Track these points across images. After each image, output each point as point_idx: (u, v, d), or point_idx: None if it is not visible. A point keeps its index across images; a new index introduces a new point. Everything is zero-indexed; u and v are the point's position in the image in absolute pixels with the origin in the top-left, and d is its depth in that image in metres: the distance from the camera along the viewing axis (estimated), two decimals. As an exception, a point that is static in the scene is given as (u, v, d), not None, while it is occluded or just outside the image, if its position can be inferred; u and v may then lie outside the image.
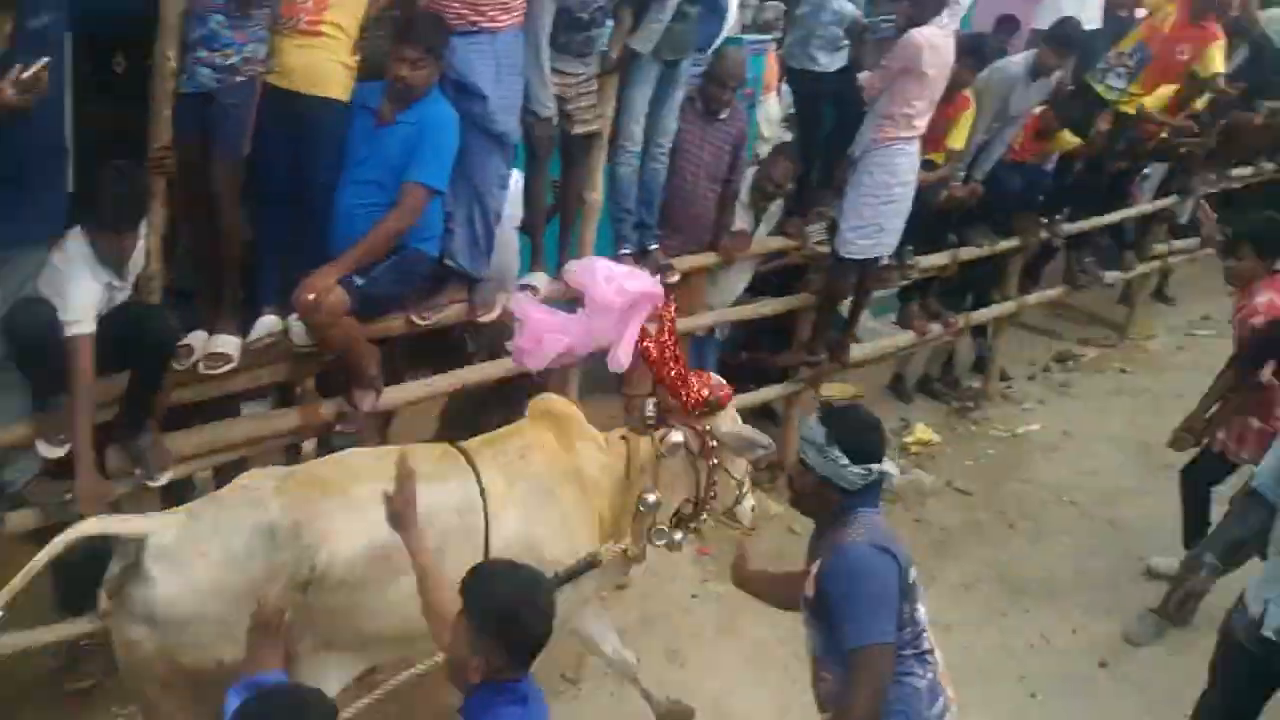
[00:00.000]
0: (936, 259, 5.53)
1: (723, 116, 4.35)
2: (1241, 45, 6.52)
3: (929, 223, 5.31)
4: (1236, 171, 7.32)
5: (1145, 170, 6.88)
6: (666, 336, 2.94)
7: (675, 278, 4.11)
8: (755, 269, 4.95)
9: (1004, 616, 4.46)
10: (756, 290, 5.10)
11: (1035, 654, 4.26)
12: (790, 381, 5.16)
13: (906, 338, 5.71)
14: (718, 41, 4.46)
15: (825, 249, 4.84)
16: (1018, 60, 5.24)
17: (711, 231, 4.53)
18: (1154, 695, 3.96)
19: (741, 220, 4.67)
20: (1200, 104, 6.10)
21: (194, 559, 2.51)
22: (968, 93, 4.97)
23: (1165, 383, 6.69)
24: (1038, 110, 5.46)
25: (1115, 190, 6.56)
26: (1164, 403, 6.37)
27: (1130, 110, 5.78)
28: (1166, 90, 5.84)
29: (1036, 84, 5.20)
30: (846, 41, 4.62)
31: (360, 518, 2.56)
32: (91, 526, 2.55)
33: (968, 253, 5.68)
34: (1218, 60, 5.68)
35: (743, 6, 5.48)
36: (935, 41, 4.35)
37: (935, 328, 5.74)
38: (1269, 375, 4.16)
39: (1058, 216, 6.10)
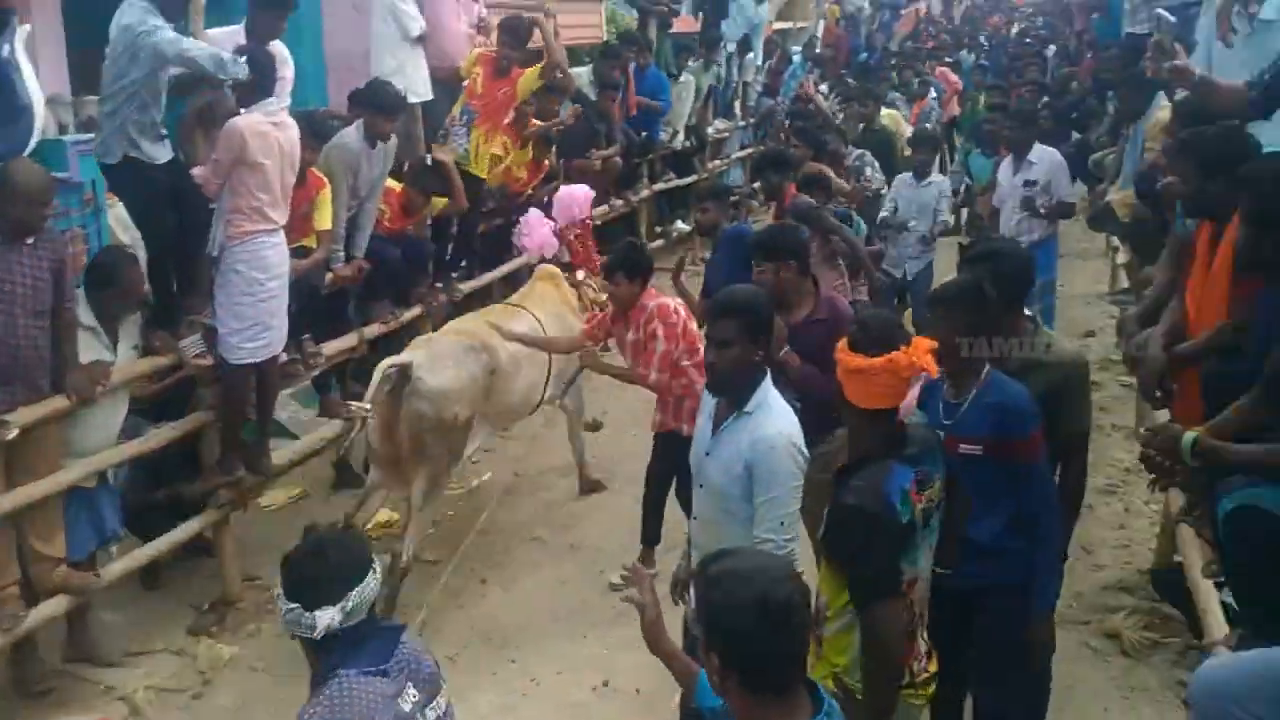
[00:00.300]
0: (343, 342, 5.39)
1: (30, 241, 3.70)
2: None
3: (325, 307, 5.13)
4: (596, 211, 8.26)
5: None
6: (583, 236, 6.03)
7: (12, 434, 3.44)
8: (133, 395, 4.37)
9: (495, 675, 4.42)
10: (157, 415, 4.56)
11: (528, 700, 4.26)
12: (214, 509, 4.66)
13: (337, 427, 5.50)
14: (30, 146, 3.86)
15: (208, 360, 4.44)
16: (350, 132, 5.27)
17: (52, 371, 3.84)
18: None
19: (92, 347, 4.05)
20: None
21: (442, 366, 4.78)
22: (317, 172, 4.91)
23: (589, 405, 7.24)
24: (398, 188, 5.61)
25: (498, 243, 6.98)
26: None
27: (479, 173, 6.22)
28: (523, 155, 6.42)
29: (377, 150, 5.29)
30: (166, 132, 4.27)
31: (506, 341, 5.00)
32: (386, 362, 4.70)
33: (373, 330, 5.63)
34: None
35: (52, 104, 4.82)
36: (260, 129, 4.19)
37: (364, 408, 5.60)
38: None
39: (453, 276, 6.30)
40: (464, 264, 6.54)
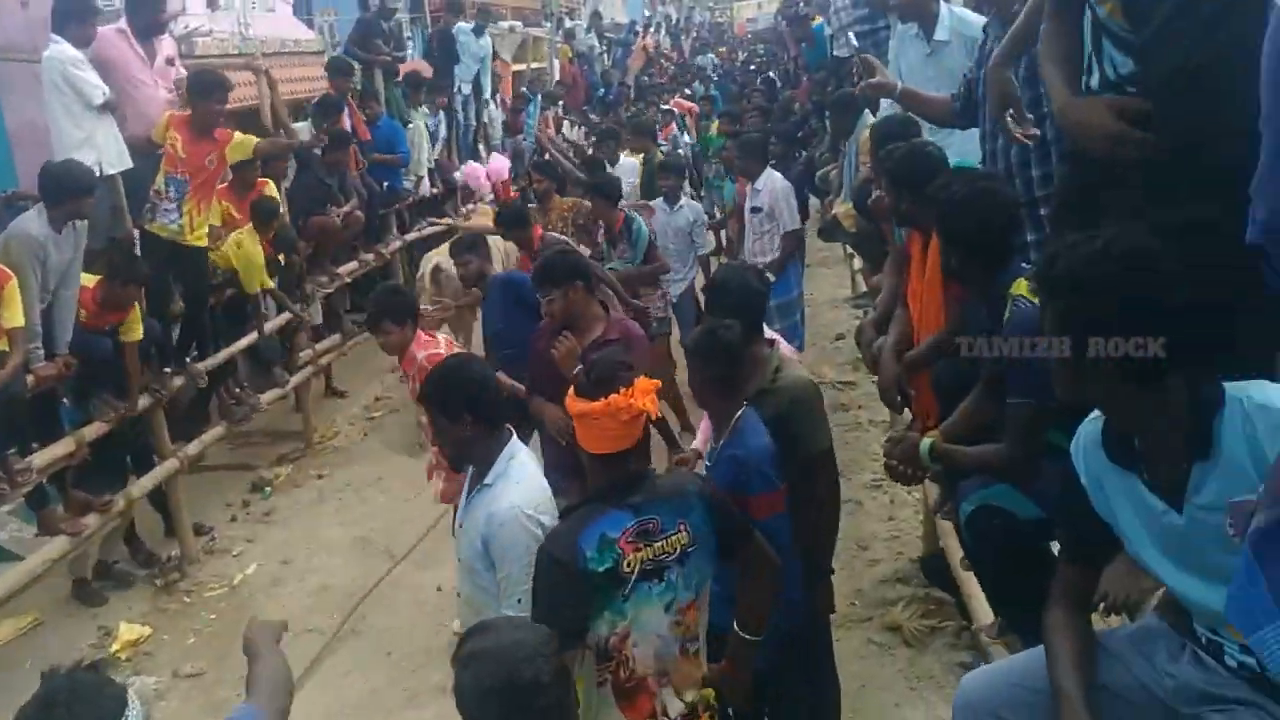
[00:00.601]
0: (57, 449, 4.81)
1: None
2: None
3: (31, 413, 4.54)
4: (345, 269, 7.89)
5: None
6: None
7: None
8: None
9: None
10: None
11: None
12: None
13: (64, 544, 4.88)
14: None
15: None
16: (31, 216, 4.73)
17: None
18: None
19: None
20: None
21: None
22: (3, 266, 4.36)
23: (361, 474, 6.90)
24: (92, 282, 5.08)
25: (237, 316, 6.52)
26: (366, 492, 6.62)
27: (199, 242, 5.81)
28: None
29: (65, 234, 4.77)
30: None
31: None
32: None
33: (94, 430, 5.05)
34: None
35: None
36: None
37: (91, 520, 5.00)
38: None
39: (187, 360, 5.82)
40: (195, 345, 6.00)
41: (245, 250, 6.27)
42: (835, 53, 8.45)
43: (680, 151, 10.47)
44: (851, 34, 7.07)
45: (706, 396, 2.85)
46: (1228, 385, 1.61)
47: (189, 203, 5.72)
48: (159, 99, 6.00)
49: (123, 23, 5.93)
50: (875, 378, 5.91)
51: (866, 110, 5.59)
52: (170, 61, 6.28)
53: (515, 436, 2.77)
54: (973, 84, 3.50)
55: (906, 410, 3.81)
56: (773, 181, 6.73)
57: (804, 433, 3.06)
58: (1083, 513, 1.77)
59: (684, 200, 7.46)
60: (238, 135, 6.06)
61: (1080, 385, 1.63)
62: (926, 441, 2.70)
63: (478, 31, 12.14)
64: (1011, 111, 2.81)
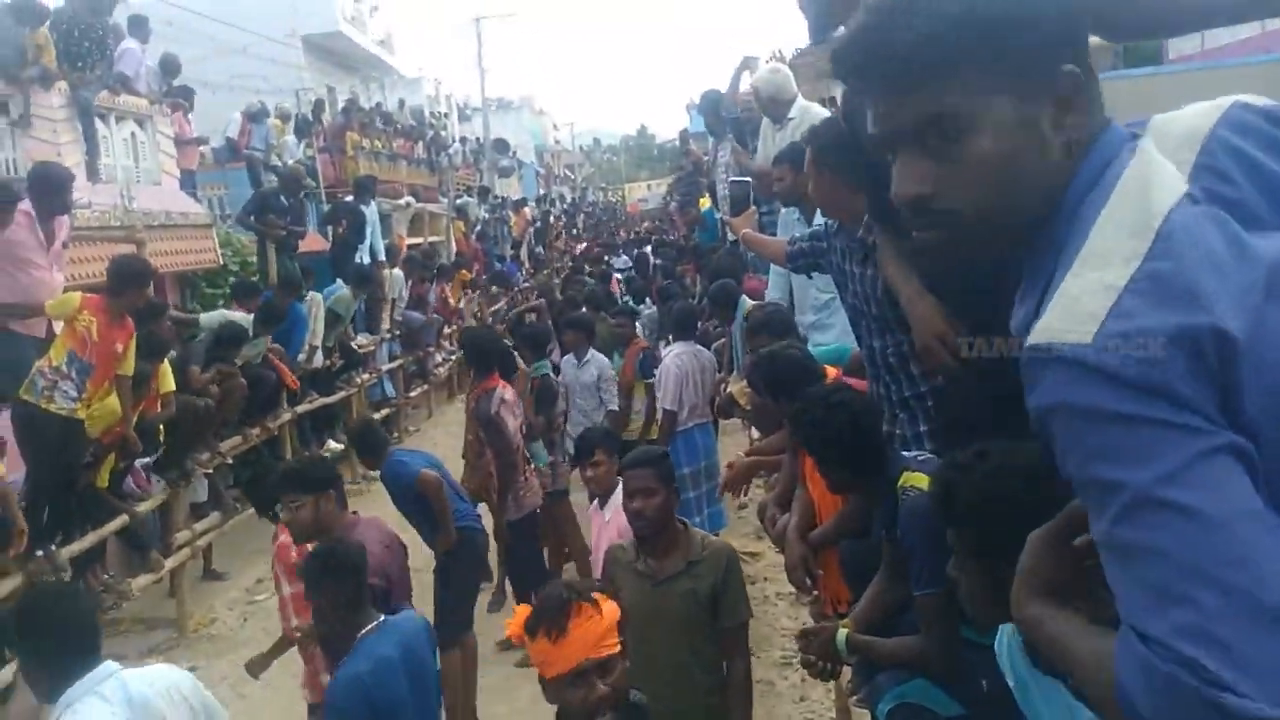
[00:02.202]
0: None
1: None
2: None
3: None
4: (227, 444, 7.58)
5: (145, 460, 6.68)
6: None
7: None
8: None
9: None
10: None
11: None
12: None
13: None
14: None
15: None
16: None
17: None
18: None
19: None
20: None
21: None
22: None
23: (239, 665, 6.40)
24: None
25: (93, 500, 6.14)
26: (244, 687, 6.11)
27: (92, 430, 5.61)
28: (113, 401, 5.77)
29: None
30: None
31: None
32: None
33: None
34: (130, 358, 5.84)
35: None
36: None
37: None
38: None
39: (51, 548, 5.41)
40: (59, 530, 5.60)
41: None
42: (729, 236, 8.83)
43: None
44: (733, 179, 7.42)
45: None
46: None
47: (90, 386, 5.51)
48: (51, 283, 5.85)
49: (27, 203, 5.82)
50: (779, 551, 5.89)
51: (744, 297, 5.89)
52: (65, 245, 6.18)
53: None
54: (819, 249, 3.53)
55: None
56: (667, 357, 6.89)
57: (728, 604, 3.18)
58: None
59: (591, 354, 7.41)
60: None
61: (994, 607, 1.59)
62: (841, 634, 2.66)
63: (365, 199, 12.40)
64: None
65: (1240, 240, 1.01)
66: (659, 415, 6.83)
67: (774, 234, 5.88)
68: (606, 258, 17.19)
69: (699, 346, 7.10)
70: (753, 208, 4.56)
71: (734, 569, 3.42)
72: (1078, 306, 0.99)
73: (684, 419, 6.73)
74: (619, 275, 14.03)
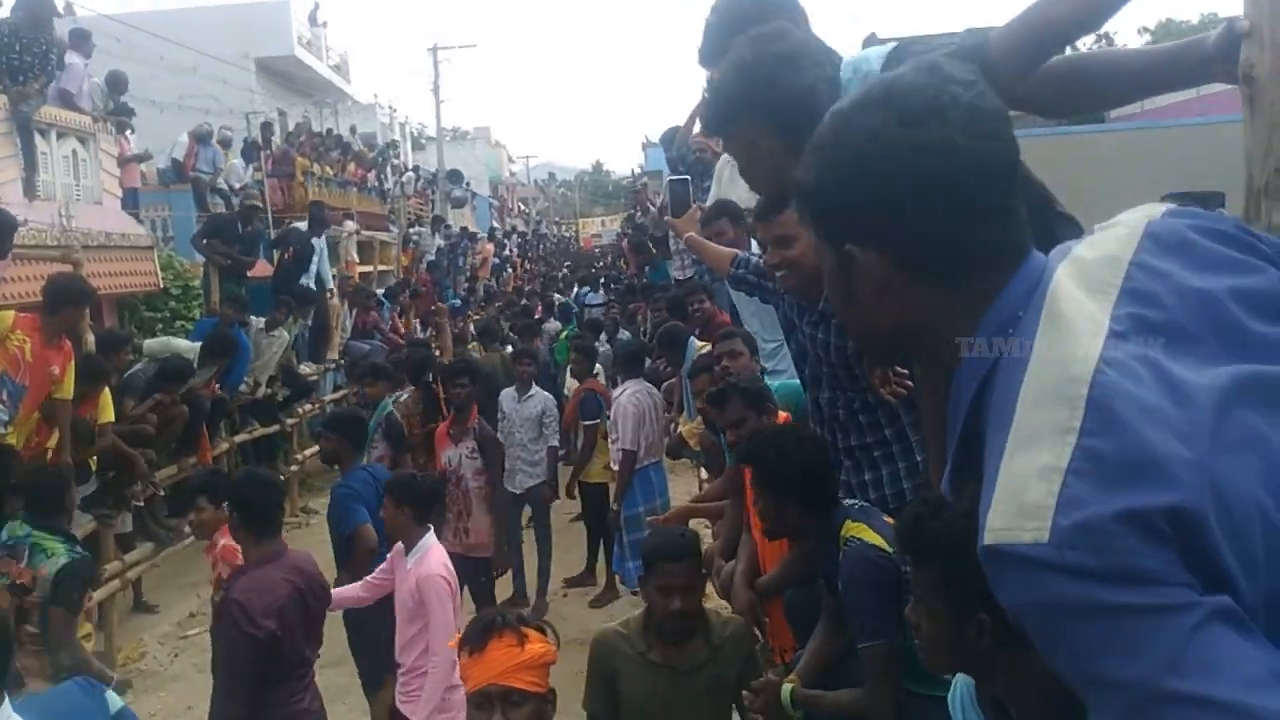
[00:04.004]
0: None
1: None
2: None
3: None
4: (162, 474, 7.35)
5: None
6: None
7: None
8: None
9: None
10: None
11: None
12: None
13: None
14: None
15: None
16: None
17: None
18: None
19: None
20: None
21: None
22: None
23: (169, 702, 6.21)
24: None
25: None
26: (169, 725, 5.93)
27: (13, 442, 5.30)
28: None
29: None
30: None
31: None
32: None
33: None
34: (69, 382, 5.66)
35: None
36: None
37: None
38: None
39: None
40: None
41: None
42: (674, 274, 8.84)
43: (539, 342, 10.54)
44: (688, 258, 7.42)
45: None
46: None
47: (22, 410, 5.33)
48: None
49: None
50: (726, 603, 5.86)
51: (693, 339, 5.90)
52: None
53: None
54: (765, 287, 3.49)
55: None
56: (622, 395, 6.80)
57: None
58: None
59: (534, 389, 7.37)
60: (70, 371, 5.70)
61: (956, 652, 1.59)
62: (787, 688, 2.64)
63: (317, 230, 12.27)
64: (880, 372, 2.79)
65: (1173, 384, 0.97)
66: (612, 456, 6.77)
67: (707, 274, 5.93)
68: (561, 291, 17.20)
69: (649, 384, 7.08)
70: (694, 205, 4.46)
71: (754, 650, 3.16)
72: (1024, 499, 0.96)
73: (640, 458, 6.69)
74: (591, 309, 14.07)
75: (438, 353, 10.17)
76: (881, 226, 1.12)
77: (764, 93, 1.89)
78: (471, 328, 12.34)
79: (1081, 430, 0.95)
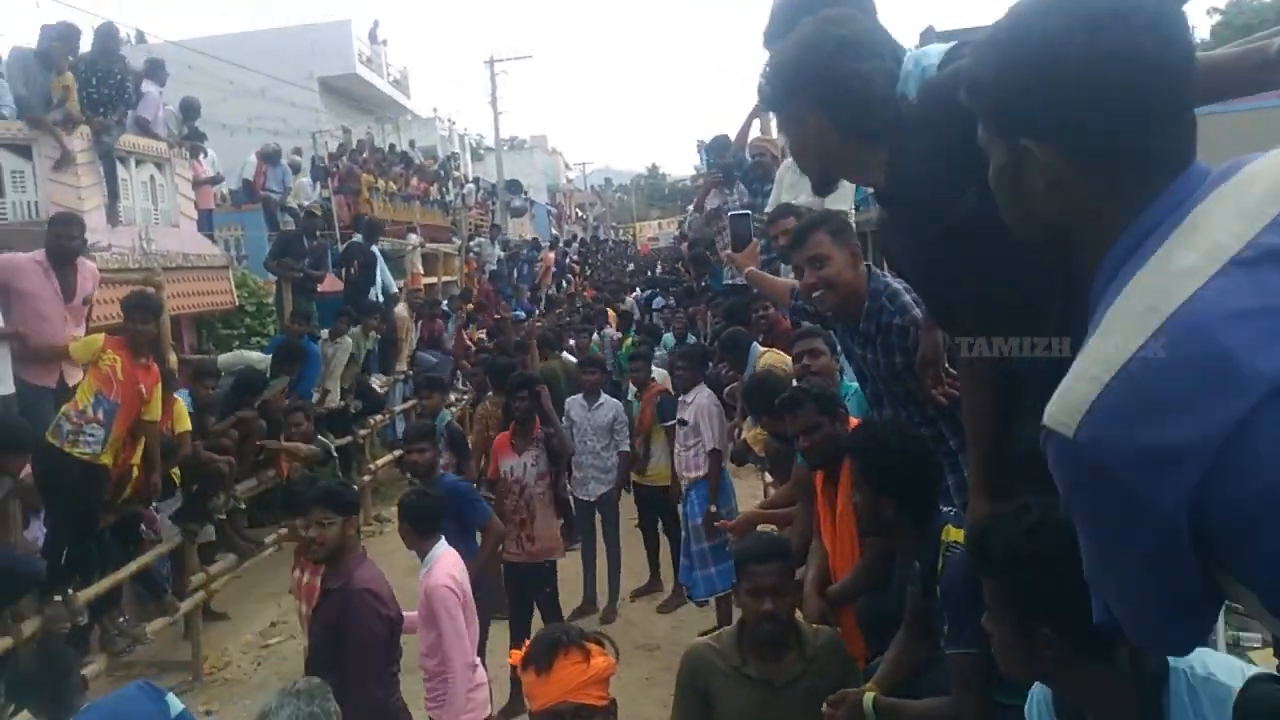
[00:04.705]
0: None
1: None
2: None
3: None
4: (242, 487, 7.57)
5: (158, 508, 6.70)
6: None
7: None
8: None
9: None
10: None
11: None
12: None
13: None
14: None
15: None
16: None
17: None
18: None
19: None
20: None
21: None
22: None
23: (254, 711, 6.36)
24: None
25: (126, 538, 6.17)
26: (254, 732, 6.10)
27: (106, 462, 5.55)
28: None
29: None
30: None
31: None
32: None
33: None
34: (156, 402, 5.89)
35: None
36: None
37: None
38: None
39: (69, 592, 5.42)
40: (76, 574, 5.60)
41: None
42: (729, 280, 8.79)
43: (601, 354, 10.61)
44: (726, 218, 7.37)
45: None
46: (1171, 658, 1.60)
47: (115, 428, 5.53)
48: (63, 335, 5.89)
49: (41, 253, 5.87)
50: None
51: (755, 344, 5.89)
52: (86, 301, 6.21)
53: None
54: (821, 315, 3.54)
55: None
56: (701, 396, 6.67)
57: None
58: None
59: (604, 397, 7.39)
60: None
61: (1026, 661, 1.61)
62: (868, 698, 2.62)
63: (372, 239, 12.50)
64: (933, 371, 2.83)
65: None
66: (685, 460, 6.68)
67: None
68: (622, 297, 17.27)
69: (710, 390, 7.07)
70: (755, 241, 4.50)
71: (851, 661, 3.07)
72: (1071, 395, 1.08)
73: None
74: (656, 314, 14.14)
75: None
76: (1062, 122, 1.15)
77: (820, 73, 1.92)
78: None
79: (1138, 350, 1.03)
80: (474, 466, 7.02)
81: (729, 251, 4.41)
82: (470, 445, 7.32)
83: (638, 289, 18.75)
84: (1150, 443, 1.00)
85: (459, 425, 6.81)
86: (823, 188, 2.38)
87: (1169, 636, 1.18)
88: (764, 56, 2.29)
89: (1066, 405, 1.07)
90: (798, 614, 3.26)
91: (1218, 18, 26.99)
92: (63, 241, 5.89)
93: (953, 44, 2.07)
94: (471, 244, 19.52)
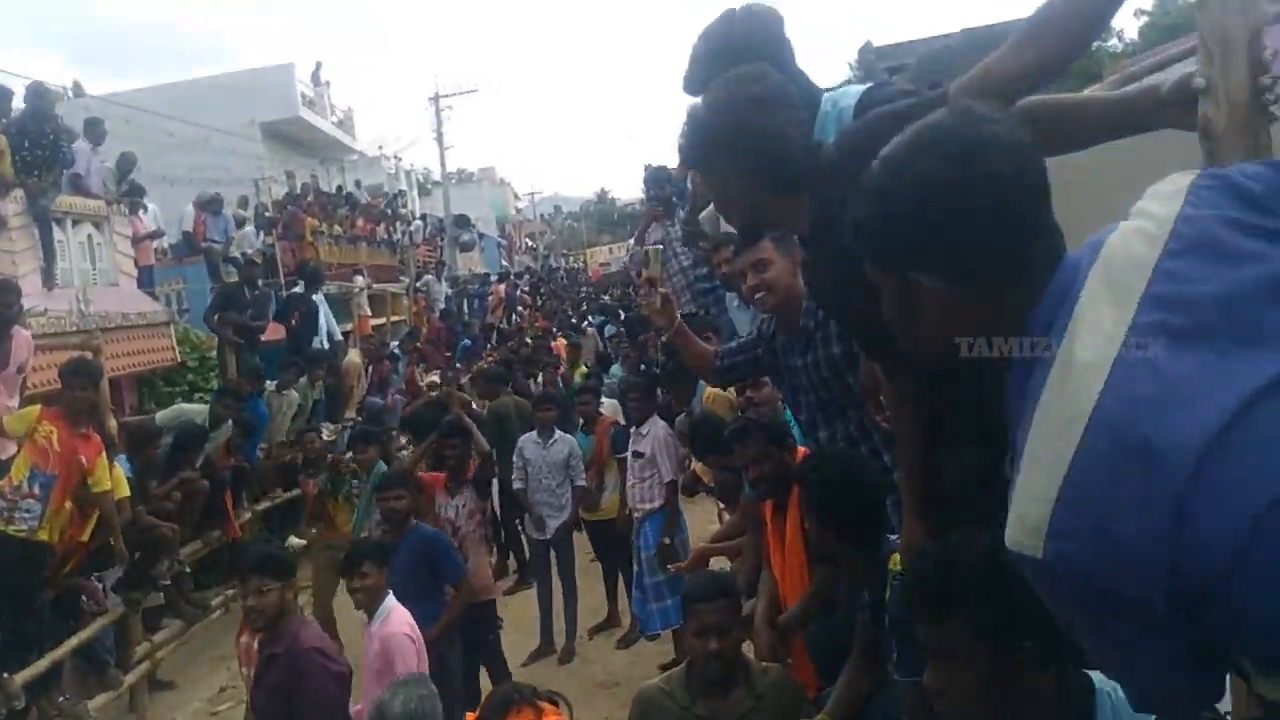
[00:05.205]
0: None
1: None
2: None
3: None
4: (187, 550, 7.42)
5: (100, 577, 6.56)
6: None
7: None
8: None
9: None
10: None
11: None
12: None
13: None
14: None
15: None
16: None
17: None
18: None
19: None
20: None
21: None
22: None
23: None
24: None
25: (66, 612, 6.01)
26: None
27: (45, 537, 5.43)
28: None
29: None
30: None
31: None
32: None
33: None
34: (103, 471, 5.74)
35: None
36: None
37: None
38: None
39: (4, 676, 5.25)
40: (13, 654, 5.42)
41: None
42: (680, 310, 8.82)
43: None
44: (689, 293, 7.41)
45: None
46: (1093, 675, 1.62)
47: (53, 501, 5.41)
48: (2, 407, 5.74)
49: None
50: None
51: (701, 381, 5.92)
52: (21, 370, 6.06)
53: None
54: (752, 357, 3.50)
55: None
56: (657, 428, 6.64)
57: None
58: None
59: (557, 433, 7.32)
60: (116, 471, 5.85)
61: (991, 700, 1.58)
62: None
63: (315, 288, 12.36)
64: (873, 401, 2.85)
65: (1185, 387, 1.06)
66: (638, 492, 6.62)
67: (728, 312, 5.94)
68: (575, 324, 17.29)
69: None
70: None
71: (801, 696, 3.07)
72: (1028, 518, 1.14)
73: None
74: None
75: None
76: (945, 250, 1.25)
77: (736, 134, 1.97)
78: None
79: (1070, 468, 1.09)
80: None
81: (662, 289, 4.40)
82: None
83: (589, 317, 18.79)
84: (1112, 546, 1.06)
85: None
86: (748, 238, 2.40)
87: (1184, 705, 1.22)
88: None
89: (1027, 529, 1.14)
90: (748, 649, 3.28)
91: (1145, 19, 27.58)
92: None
93: (868, 85, 2.15)
94: (418, 283, 19.43)
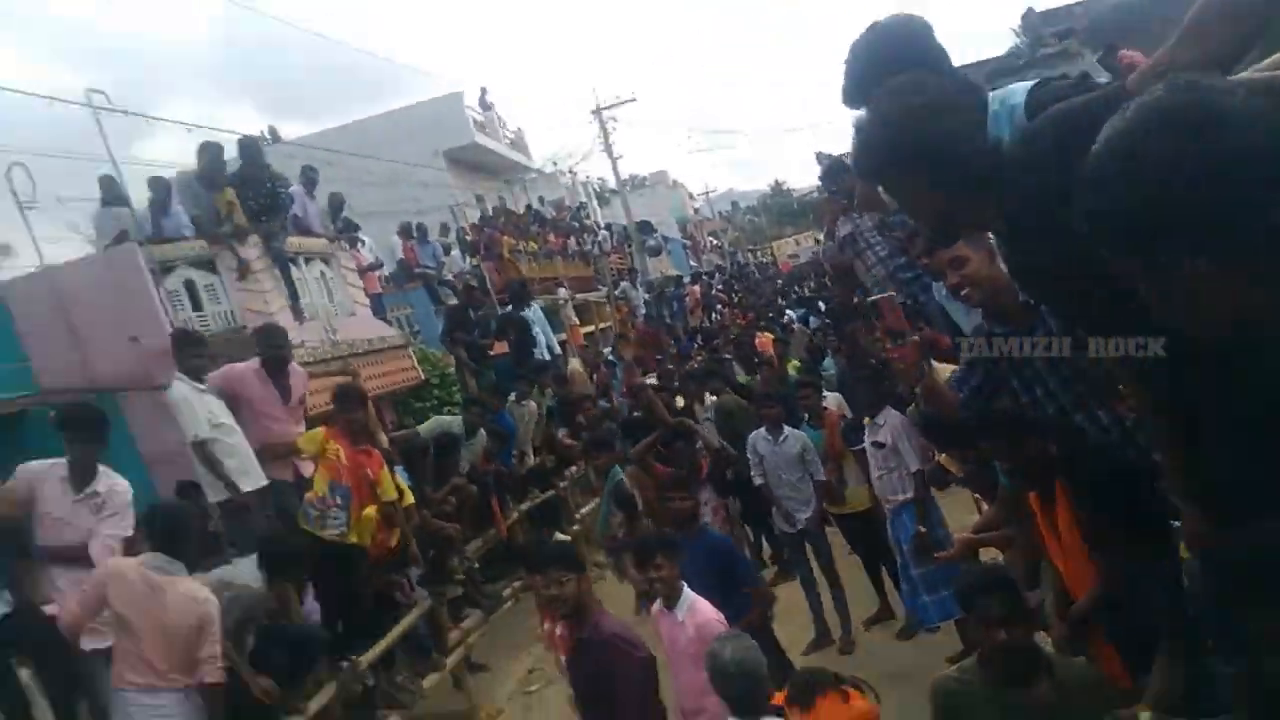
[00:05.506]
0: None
1: None
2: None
3: None
4: (470, 547, 7.77)
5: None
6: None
7: None
8: None
9: None
10: None
11: None
12: None
13: None
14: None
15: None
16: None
17: None
18: None
19: None
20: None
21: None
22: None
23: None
24: None
25: (387, 606, 6.56)
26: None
27: (362, 544, 6.04)
28: (371, 511, 6.13)
29: None
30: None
31: None
32: None
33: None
34: (387, 482, 6.30)
35: None
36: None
37: None
38: None
39: (354, 658, 5.83)
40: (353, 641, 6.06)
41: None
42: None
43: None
44: (891, 284, 6.98)
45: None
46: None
47: (353, 509, 5.98)
48: (291, 434, 6.46)
49: (256, 362, 6.52)
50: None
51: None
52: (301, 400, 6.82)
53: None
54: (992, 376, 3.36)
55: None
56: (892, 417, 6.46)
57: None
58: None
59: (786, 429, 7.25)
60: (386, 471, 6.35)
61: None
62: (1145, 716, 2.57)
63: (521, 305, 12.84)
64: None
65: None
66: (885, 483, 6.49)
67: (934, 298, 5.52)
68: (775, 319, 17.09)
69: None
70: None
71: (1108, 689, 3.00)
72: None
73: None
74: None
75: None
76: (1217, 229, 1.20)
77: (910, 147, 1.97)
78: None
79: None
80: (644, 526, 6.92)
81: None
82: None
83: (789, 310, 18.52)
84: None
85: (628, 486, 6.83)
86: (942, 240, 2.46)
87: None
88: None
89: None
90: (1045, 640, 3.30)
91: None
92: (275, 351, 6.54)
93: (1035, 81, 2.15)
94: (616, 290, 19.73)
